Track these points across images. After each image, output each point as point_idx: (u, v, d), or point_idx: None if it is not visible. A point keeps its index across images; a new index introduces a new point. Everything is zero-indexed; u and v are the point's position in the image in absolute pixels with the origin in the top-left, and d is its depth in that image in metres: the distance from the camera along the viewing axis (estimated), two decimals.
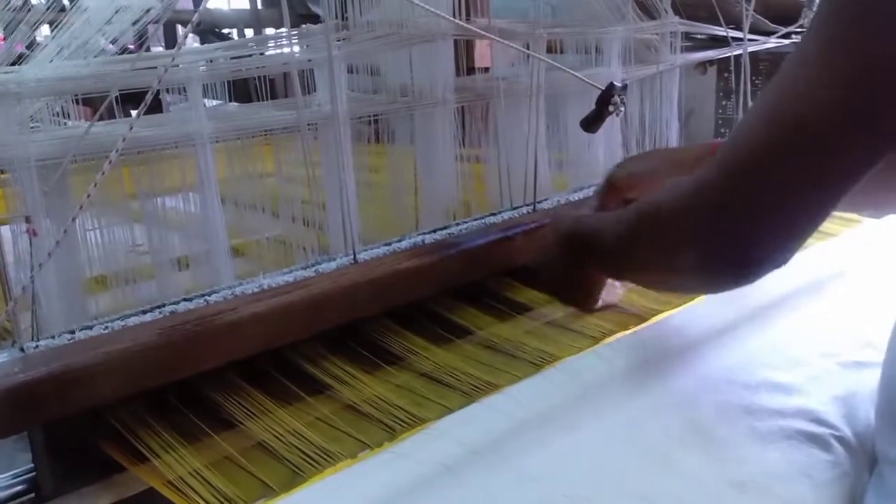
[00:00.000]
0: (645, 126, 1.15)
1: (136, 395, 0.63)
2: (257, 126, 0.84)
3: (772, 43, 1.28)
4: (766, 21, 1.27)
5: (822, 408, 0.64)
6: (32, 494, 0.62)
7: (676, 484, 0.56)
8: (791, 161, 0.48)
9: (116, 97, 0.69)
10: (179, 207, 0.83)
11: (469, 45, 1.13)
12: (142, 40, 0.77)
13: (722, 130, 1.75)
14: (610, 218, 0.67)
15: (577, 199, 1.01)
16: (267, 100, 0.89)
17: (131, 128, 0.64)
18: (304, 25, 0.85)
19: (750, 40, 1.18)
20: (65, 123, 0.76)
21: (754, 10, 1.15)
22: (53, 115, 0.75)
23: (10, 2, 0.77)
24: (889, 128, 0.46)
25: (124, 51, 0.78)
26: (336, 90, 0.80)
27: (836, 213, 0.94)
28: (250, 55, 0.85)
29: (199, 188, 0.80)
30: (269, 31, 2.32)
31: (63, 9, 0.76)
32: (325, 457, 0.59)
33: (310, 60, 0.84)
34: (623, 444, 0.60)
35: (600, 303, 0.80)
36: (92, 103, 0.76)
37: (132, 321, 0.66)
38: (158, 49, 1.41)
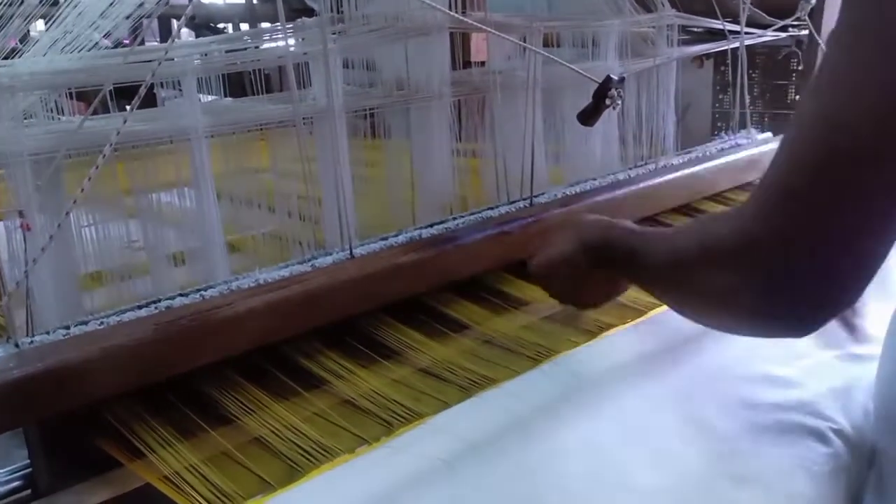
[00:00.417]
0: (642, 119, 1.15)
1: (131, 391, 0.63)
2: (252, 120, 0.83)
3: (768, 36, 1.27)
4: (763, 14, 1.26)
5: (820, 401, 0.64)
6: (28, 490, 0.61)
7: (674, 477, 0.56)
8: (843, 190, 0.43)
9: (110, 91, 0.69)
10: (174, 203, 0.83)
11: (465, 39, 1.12)
12: (136, 34, 0.77)
13: (718, 124, 1.75)
14: (660, 239, 0.60)
15: (574, 192, 1.00)
16: (262, 94, 0.89)
17: (125, 122, 0.63)
18: (299, 19, 0.85)
19: (747, 33, 1.17)
20: (58, 118, 0.75)
21: (751, 4, 1.15)
22: (47, 109, 0.75)
23: None
24: None
25: (118, 45, 0.77)
26: (331, 84, 0.80)
27: None
28: (245, 49, 0.85)
29: (195, 183, 0.79)
30: (265, 25, 2.31)
31: (56, 3, 0.76)
32: (322, 452, 0.59)
33: (305, 54, 0.84)
34: (621, 437, 0.60)
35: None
36: (86, 97, 0.75)
37: (128, 316, 0.66)
38: (153, 43, 1.40)
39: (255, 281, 0.73)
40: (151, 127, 0.76)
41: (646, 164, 1.15)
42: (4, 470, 0.62)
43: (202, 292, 0.71)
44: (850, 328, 0.73)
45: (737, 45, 1.17)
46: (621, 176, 1.08)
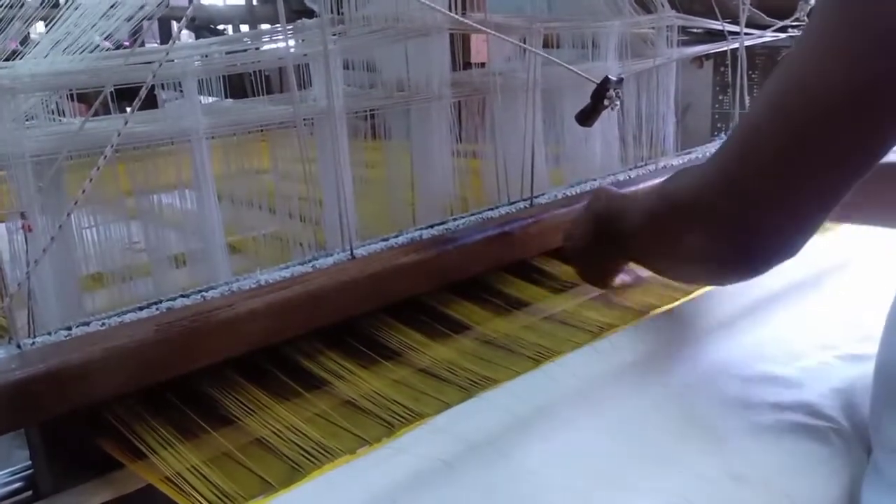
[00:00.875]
0: (642, 120, 1.15)
1: (133, 392, 0.63)
2: (253, 122, 0.83)
3: (768, 37, 1.27)
4: (763, 15, 1.26)
5: (820, 401, 0.64)
6: (30, 492, 0.61)
7: (675, 477, 0.56)
8: (799, 149, 0.48)
9: (111, 93, 0.69)
10: (175, 204, 0.83)
11: (465, 40, 1.12)
12: (136, 36, 0.77)
13: (718, 125, 1.76)
14: (639, 199, 0.68)
15: (574, 193, 1.00)
16: (262, 95, 0.89)
17: (126, 123, 0.63)
18: (299, 20, 0.85)
19: (746, 34, 1.17)
20: (59, 119, 0.75)
21: (750, 4, 1.15)
22: (48, 111, 0.75)
23: None
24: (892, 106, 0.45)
25: (119, 46, 0.78)
26: (332, 85, 0.80)
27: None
28: (245, 50, 0.85)
29: (195, 185, 0.80)
30: (265, 26, 2.31)
31: (57, 4, 0.76)
32: (323, 452, 0.59)
33: (305, 55, 0.84)
34: (622, 438, 0.60)
35: (617, 281, 0.82)
36: (86, 99, 0.75)
37: (129, 318, 0.66)
38: (153, 45, 1.41)
39: (256, 282, 0.73)
40: (152, 128, 0.76)
41: (646, 164, 1.15)
42: (5, 471, 0.62)
43: (203, 293, 0.71)
44: None
45: (736, 45, 1.17)
46: (621, 177, 1.08)
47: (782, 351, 0.72)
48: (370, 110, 0.92)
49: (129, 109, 0.65)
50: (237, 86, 0.94)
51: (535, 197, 0.97)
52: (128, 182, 0.78)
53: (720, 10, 1.16)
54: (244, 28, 2.37)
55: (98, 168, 0.60)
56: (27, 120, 0.72)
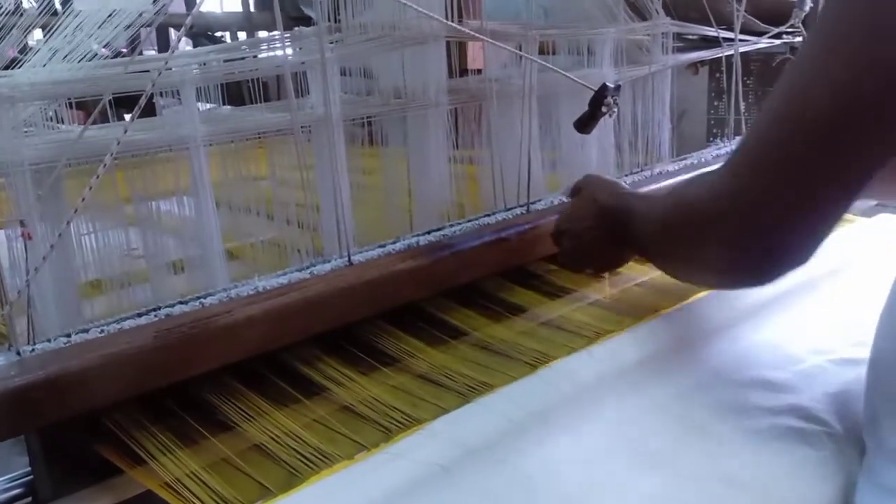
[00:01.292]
0: (637, 126, 1.16)
1: (132, 398, 0.63)
2: (251, 129, 0.84)
3: (763, 43, 1.28)
4: (757, 21, 1.27)
5: (814, 405, 0.64)
6: (29, 498, 0.62)
7: (670, 481, 0.56)
8: (809, 158, 0.48)
9: (110, 101, 0.69)
10: (174, 211, 0.83)
11: (462, 47, 1.13)
12: (134, 44, 0.77)
13: (714, 131, 1.76)
14: (652, 202, 0.68)
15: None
16: (260, 103, 0.89)
17: (125, 131, 0.64)
18: (296, 28, 0.85)
19: (741, 41, 1.18)
20: (58, 127, 0.76)
21: (745, 11, 1.15)
22: (47, 119, 0.75)
23: (1, 6, 0.77)
24: None
25: (117, 54, 0.78)
26: (329, 92, 0.80)
27: None
28: (243, 58, 0.86)
29: (193, 191, 0.80)
30: (262, 33, 2.32)
31: (55, 13, 0.76)
32: (321, 458, 0.60)
33: (303, 63, 0.84)
34: (617, 442, 0.60)
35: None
36: (85, 107, 0.76)
37: (128, 324, 0.66)
38: (151, 52, 1.41)
39: (254, 288, 0.73)
40: (150, 136, 0.77)
41: (641, 170, 1.16)
42: (5, 477, 0.63)
43: (202, 300, 0.71)
44: None
45: (731, 52, 1.18)
46: None
47: (777, 355, 0.72)
48: (367, 117, 0.92)
49: (127, 117, 0.66)
50: (235, 93, 0.94)
51: (532, 203, 0.97)
52: (126, 189, 0.78)
53: (715, 17, 1.17)
54: (242, 35, 2.37)
55: (97, 176, 0.60)
56: (26, 128, 0.72)
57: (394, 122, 0.96)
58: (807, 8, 1.28)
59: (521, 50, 0.96)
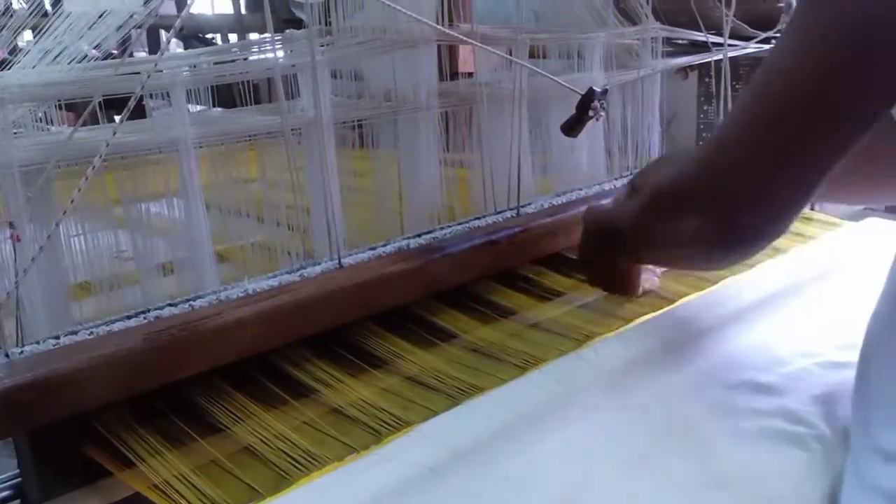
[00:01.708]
0: (627, 130, 1.16)
1: (121, 400, 0.63)
2: (241, 131, 0.84)
3: (752, 48, 1.29)
4: (746, 26, 1.28)
5: (801, 407, 0.65)
6: (18, 500, 0.62)
7: (658, 484, 0.56)
8: (780, 133, 0.50)
9: (100, 102, 0.69)
10: (163, 213, 0.83)
11: (453, 51, 1.13)
12: (125, 45, 0.77)
13: (704, 135, 1.77)
14: (626, 202, 0.70)
15: (560, 202, 1.01)
16: (251, 105, 0.89)
17: (115, 133, 0.64)
18: (287, 30, 0.85)
19: (730, 45, 1.19)
20: (48, 129, 0.76)
21: (734, 16, 1.16)
22: (36, 120, 0.75)
23: None
24: (870, 88, 0.47)
25: (108, 56, 0.78)
26: (319, 95, 0.80)
27: (816, 217, 0.96)
28: (234, 60, 0.86)
29: (183, 193, 0.80)
30: (253, 36, 2.31)
31: (45, 14, 0.76)
32: (311, 460, 0.60)
33: (293, 65, 0.85)
34: (606, 445, 0.61)
35: (640, 290, 0.84)
36: (75, 109, 0.76)
37: (117, 326, 0.66)
38: (142, 54, 1.41)
39: (243, 291, 0.73)
40: (140, 138, 0.76)
41: (632, 174, 1.16)
42: None
43: (191, 302, 0.71)
44: None
45: (720, 56, 1.18)
46: (607, 186, 1.10)
47: (764, 358, 0.73)
48: (358, 120, 0.92)
49: (117, 119, 0.66)
50: (225, 95, 0.94)
51: (522, 206, 0.98)
52: (116, 191, 0.78)
53: (704, 22, 1.18)
54: (233, 37, 2.37)
55: (86, 178, 0.60)
56: (16, 129, 0.72)
57: (384, 125, 0.96)
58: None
59: (511, 54, 0.96)
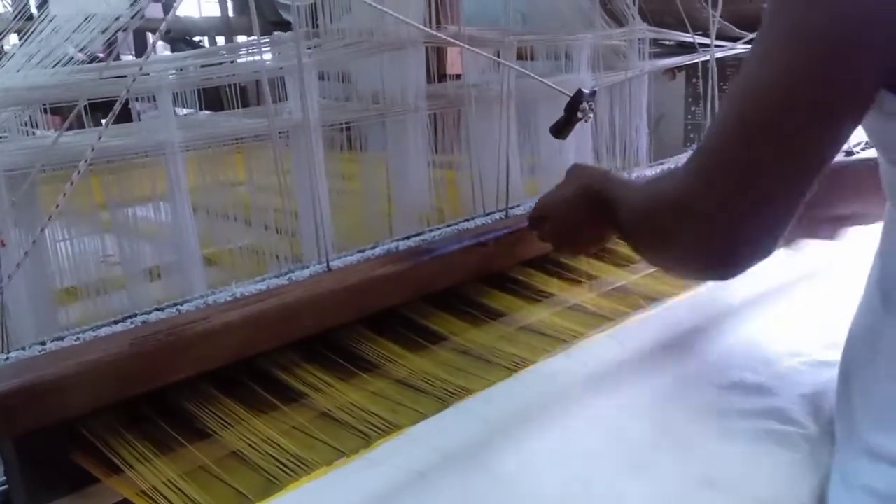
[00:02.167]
0: (615, 131, 1.16)
1: (108, 406, 0.62)
2: (228, 134, 0.84)
3: (739, 49, 1.30)
4: (733, 27, 1.29)
5: (789, 406, 0.65)
6: None
7: (647, 483, 0.56)
8: (759, 155, 0.50)
9: (85, 106, 0.69)
10: (150, 217, 0.83)
11: (440, 53, 1.13)
12: (111, 49, 0.77)
13: (691, 136, 1.78)
14: (633, 191, 0.70)
15: None
16: (238, 108, 0.89)
17: (100, 137, 0.63)
18: (275, 33, 0.85)
19: (717, 46, 1.19)
20: (33, 133, 0.75)
21: (721, 17, 1.17)
22: (22, 124, 0.74)
23: None
24: (843, 101, 0.48)
25: (93, 59, 0.77)
26: (307, 98, 0.80)
27: None
28: (221, 63, 0.85)
29: (170, 197, 0.79)
30: (241, 38, 2.31)
31: (31, 17, 0.76)
32: (300, 465, 0.59)
33: (281, 68, 0.84)
34: (595, 444, 0.60)
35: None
36: (61, 112, 0.75)
37: (104, 332, 0.66)
38: (128, 57, 1.40)
39: (231, 295, 0.73)
40: (127, 141, 0.76)
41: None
42: None
43: (178, 307, 0.71)
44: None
45: (707, 57, 1.19)
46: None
47: (753, 357, 0.73)
48: (346, 122, 0.92)
49: (103, 122, 0.65)
50: (213, 98, 0.94)
51: (511, 208, 0.98)
52: (102, 195, 0.78)
53: (691, 23, 1.18)
54: (220, 40, 2.36)
55: (72, 183, 0.60)
56: (0, 133, 0.71)
57: (373, 127, 0.96)
58: None
59: (499, 56, 0.97)
